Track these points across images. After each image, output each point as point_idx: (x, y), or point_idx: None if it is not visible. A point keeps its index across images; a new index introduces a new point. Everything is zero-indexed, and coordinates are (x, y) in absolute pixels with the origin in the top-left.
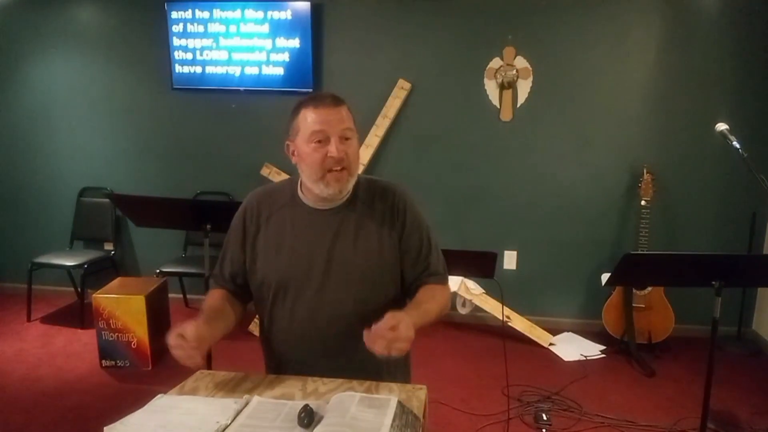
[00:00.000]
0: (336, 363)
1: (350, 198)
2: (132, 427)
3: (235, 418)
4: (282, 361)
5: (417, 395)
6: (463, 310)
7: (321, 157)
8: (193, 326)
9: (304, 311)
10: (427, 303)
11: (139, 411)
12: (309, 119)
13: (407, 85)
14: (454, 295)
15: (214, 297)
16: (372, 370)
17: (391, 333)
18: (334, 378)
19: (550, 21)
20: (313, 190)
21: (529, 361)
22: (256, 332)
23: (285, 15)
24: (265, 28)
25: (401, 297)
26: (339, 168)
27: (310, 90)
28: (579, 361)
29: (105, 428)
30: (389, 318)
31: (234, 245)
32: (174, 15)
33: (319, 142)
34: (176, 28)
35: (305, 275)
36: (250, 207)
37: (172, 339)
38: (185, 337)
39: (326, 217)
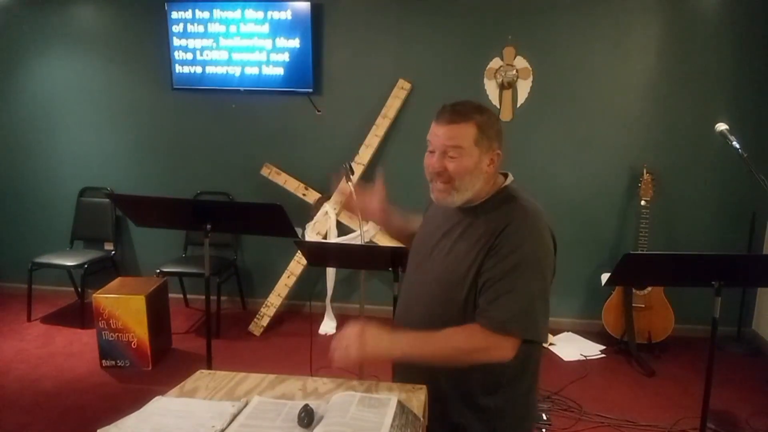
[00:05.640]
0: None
1: (478, 205)
2: (126, 431)
3: (231, 422)
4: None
5: (417, 395)
6: None
7: (427, 164)
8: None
9: (405, 286)
10: (436, 337)
11: (135, 414)
12: (431, 127)
13: (407, 85)
14: None
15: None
16: (440, 397)
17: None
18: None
19: (551, 21)
20: None
21: None
22: (256, 332)
23: (285, 15)
24: (265, 28)
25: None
26: (439, 181)
27: (310, 90)
28: (579, 360)
29: (98, 431)
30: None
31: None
32: (174, 15)
33: (431, 151)
34: (176, 28)
35: (415, 257)
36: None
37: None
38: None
39: (450, 214)
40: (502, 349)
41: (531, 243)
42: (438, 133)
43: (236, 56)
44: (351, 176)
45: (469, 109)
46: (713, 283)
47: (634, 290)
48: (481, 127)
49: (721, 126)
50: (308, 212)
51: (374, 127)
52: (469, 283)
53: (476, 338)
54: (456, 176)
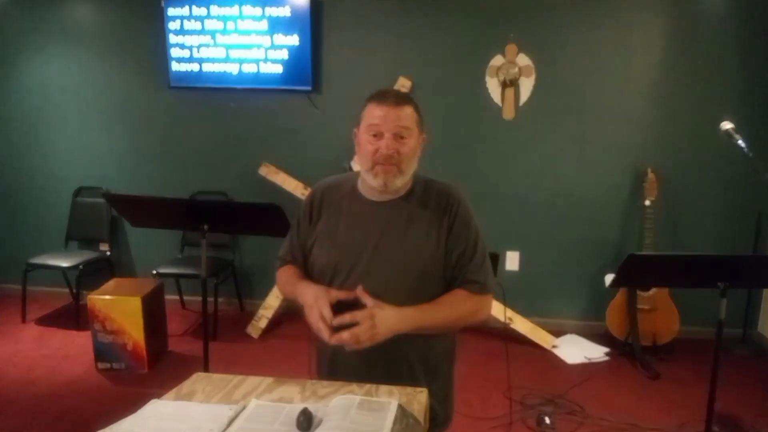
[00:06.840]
0: (372, 353)
1: (406, 194)
2: None
3: (228, 426)
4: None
5: (418, 398)
6: None
7: (373, 149)
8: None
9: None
10: (441, 305)
11: (130, 417)
12: (370, 112)
13: (407, 83)
14: None
15: (293, 269)
16: (405, 372)
17: (358, 328)
18: (365, 375)
19: (553, 18)
20: (366, 180)
21: (532, 363)
22: (254, 334)
23: (283, 12)
24: (264, 25)
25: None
26: (386, 164)
27: (309, 88)
28: (582, 363)
29: None
30: (362, 313)
31: (298, 229)
32: (171, 12)
33: (375, 135)
34: (173, 26)
35: (352, 263)
36: (316, 195)
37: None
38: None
39: (379, 210)
40: (487, 306)
41: (472, 212)
42: (389, 116)
43: (234, 53)
44: None
45: (405, 94)
46: (719, 284)
47: (638, 292)
48: (418, 110)
49: (727, 125)
50: None
51: None
52: (441, 257)
53: (470, 302)
54: (404, 158)
